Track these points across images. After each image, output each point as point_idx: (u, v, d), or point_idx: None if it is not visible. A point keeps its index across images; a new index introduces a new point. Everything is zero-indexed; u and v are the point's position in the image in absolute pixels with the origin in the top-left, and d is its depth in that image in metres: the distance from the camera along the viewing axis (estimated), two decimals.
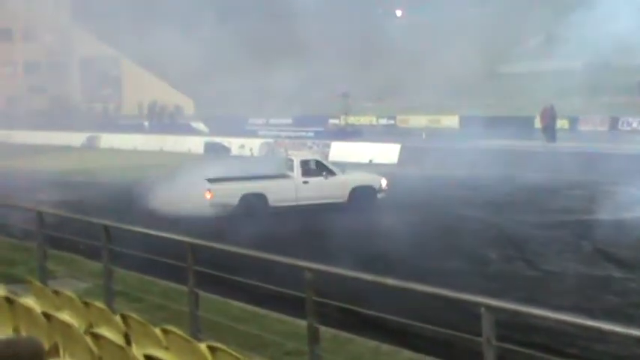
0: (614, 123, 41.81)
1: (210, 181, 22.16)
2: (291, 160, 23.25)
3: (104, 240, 9.05)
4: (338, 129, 47.60)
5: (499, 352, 5.17)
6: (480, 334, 5.20)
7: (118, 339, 5.35)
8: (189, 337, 5.64)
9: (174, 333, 5.51)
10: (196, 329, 7.52)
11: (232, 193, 21.71)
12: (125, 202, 22.81)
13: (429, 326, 6.85)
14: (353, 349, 9.07)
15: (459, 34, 53.42)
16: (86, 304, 6.54)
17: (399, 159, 34.50)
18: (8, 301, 6.42)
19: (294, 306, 7.97)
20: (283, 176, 22.75)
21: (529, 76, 50.97)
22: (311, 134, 44.27)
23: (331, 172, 22.68)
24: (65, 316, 5.93)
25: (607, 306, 12.49)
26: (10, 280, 10.07)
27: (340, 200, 22.24)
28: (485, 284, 13.37)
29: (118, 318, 6.20)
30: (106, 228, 9.11)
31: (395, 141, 37.31)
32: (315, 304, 6.45)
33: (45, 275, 10.34)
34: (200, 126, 55.07)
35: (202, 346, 5.32)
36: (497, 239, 17.97)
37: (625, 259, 15.66)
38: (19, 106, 68.69)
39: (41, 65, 76.63)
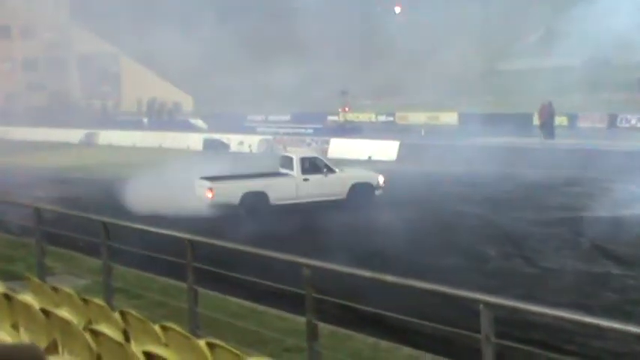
0: (612, 120, 41.82)
1: (210, 179, 21.90)
2: (289, 158, 23.10)
3: (103, 237, 9.05)
4: (337, 126, 47.58)
5: (498, 348, 5.18)
6: (478, 331, 5.20)
7: (116, 336, 5.35)
8: (188, 334, 5.65)
9: (173, 330, 5.51)
10: (195, 326, 7.51)
11: (233, 191, 21.49)
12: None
13: (428, 323, 6.85)
14: (352, 346, 9.09)
15: (458, 31, 53.46)
16: (85, 300, 6.54)
17: (398, 156, 34.50)
18: (7, 297, 6.42)
19: (293, 303, 7.97)
20: (283, 174, 22.55)
21: (528, 73, 51.03)
22: (310, 131, 44.26)
23: (331, 169, 22.62)
24: (64, 312, 5.93)
25: (605, 303, 12.50)
26: (8, 276, 10.06)
27: (339, 197, 22.18)
28: (483, 281, 13.39)
29: (117, 315, 6.20)
30: (105, 225, 9.10)
31: (394, 138, 37.32)
32: (314, 301, 6.46)
33: (44, 272, 10.33)
34: (199, 123, 55.05)
35: (201, 342, 5.32)
36: (496, 236, 17.99)
37: (623, 256, 15.68)
38: (17, 102, 68.60)
39: (40, 62, 76.59)
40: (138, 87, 69.06)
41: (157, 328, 5.68)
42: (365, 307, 7.56)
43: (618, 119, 41.76)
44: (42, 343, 5.63)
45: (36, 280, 7.91)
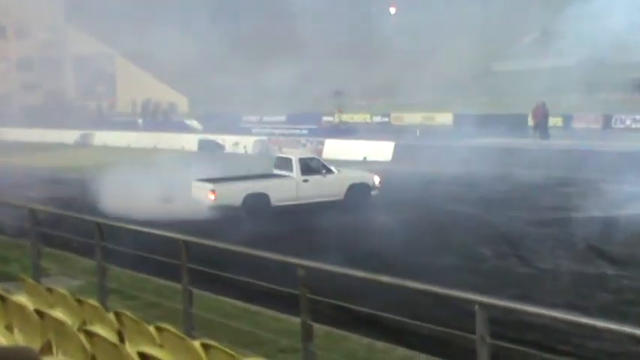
0: (607, 121, 41.92)
1: (211, 181, 21.65)
2: (288, 159, 22.97)
3: (97, 237, 9.03)
4: (332, 126, 47.61)
5: (493, 349, 5.17)
6: (473, 332, 5.20)
7: (111, 337, 5.33)
8: (183, 335, 5.64)
9: (168, 330, 5.50)
10: (190, 327, 7.50)
11: (236, 193, 21.24)
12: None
13: (423, 323, 6.84)
14: (347, 346, 9.08)
15: (453, 32, 53.49)
16: (79, 301, 6.53)
17: (393, 156, 34.52)
18: (1, 298, 6.41)
19: (288, 303, 7.96)
20: (283, 175, 22.32)
21: (523, 73, 51.08)
22: (305, 132, 44.28)
23: (329, 170, 22.62)
24: (58, 313, 5.91)
25: (601, 303, 12.51)
26: (2, 277, 10.06)
27: (337, 198, 22.17)
28: (478, 281, 13.38)
29: (111, 315, 6.19)
30: (99, 225, 9.09)
31: (389, 138, 37.34)
32: (309, 302, 6.45)
33: (38, 273, 10.30)
34: (194, 123, 55.04)
35: (196, 343, 5.31)
36: (491, 236, 17.99)
37: (618, 256, 15.69)
38: (12, 103, 68.49)
39: (34, 62, 76.48)
40: (133, 88, 69.01)
41: (151, 328, 5.67)
42: (360, 308, 7.55)
43: (613, 120, 41.87)
44: (36, 344, 5.62)
45: (30, 280, 7.90)
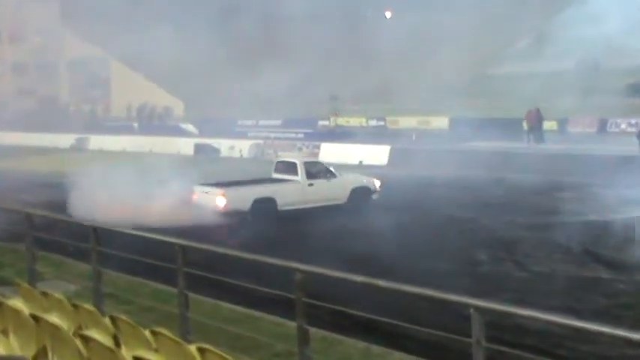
0: (602, 124, 41.93)
1: (218, 185, 21.50)
2: (292, 163, 22.81)
3: (93, 242, 9.01)
4: (327, 130, 47.62)
5: (489, 353, 5.18)
6: (469, 336, 5.20)
7: (107, 341, 5.33)
8: (178, 339, 5.63)
9: (163, 335, 5.50)
10: (186, 331, 7.49)
11: (245, 198, 21.00)
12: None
13: (419, 328, 6.85)
14: (343, 351, 9.07)
15: (449, 36, 53.56)
16: (75, 306, 6.52)
17: (389, 160, 34.55)
18: None
19: (285, 307, 7.95)
20: (289, 179, 22.18)
21: (519, 77, 51.11)
22: (301, 136, 44.29)
23: (332, 174, 22.64)
24: (54, 318, 5.90)
25: (596, 307, 12.52)
26: None
27: (340, 202, 22.23)
28: (474, 285, 13.38)
29: (107, 320, 6.18)
30: (95, 230, 9.08)
31: (385, 142, 37.36)
32: (306, 306, 6.45)
33: (33, 277, 10.28)
34: (190, 127, 55.02)
35: (192, 347, 5.31)
36: (487, 240, 18.00)
37: (613, 260, 15.71)
38: (7, 107, 68.34)
39: (29, 67, 76.37)
40: (128, 92, 68.88)
41: (147, 333, 5.67)
42: (357, 312, 7.55)
43: (608, 124, 41.89)
44: (32, 349, 5.61)
45: (26, 285, 7.89)
